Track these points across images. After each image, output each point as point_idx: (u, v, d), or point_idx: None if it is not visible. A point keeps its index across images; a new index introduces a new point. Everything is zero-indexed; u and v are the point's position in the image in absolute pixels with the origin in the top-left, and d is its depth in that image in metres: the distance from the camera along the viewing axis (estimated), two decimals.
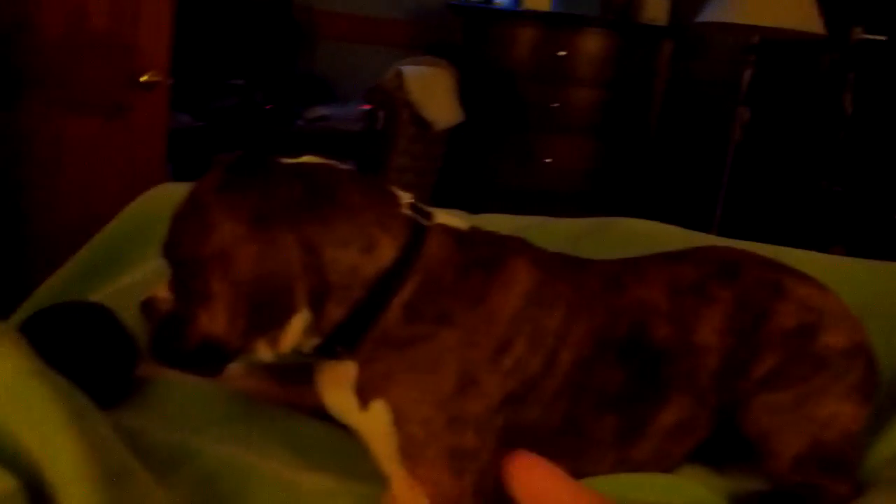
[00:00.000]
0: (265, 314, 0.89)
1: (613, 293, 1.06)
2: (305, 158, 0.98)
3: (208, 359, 0.91)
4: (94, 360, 1.03)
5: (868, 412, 1.13)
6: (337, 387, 0.97)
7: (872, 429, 1.21)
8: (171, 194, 1.57)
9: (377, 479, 0.94)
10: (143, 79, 2.27)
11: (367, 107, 3.02)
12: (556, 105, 3.87)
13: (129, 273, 1.38)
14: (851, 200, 2.98)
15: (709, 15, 3.33)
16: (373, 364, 0.94)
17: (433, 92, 3.24)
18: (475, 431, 0.94)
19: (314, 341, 0.95)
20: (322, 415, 1.03)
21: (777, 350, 1.08)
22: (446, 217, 1.03)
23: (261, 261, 0.87)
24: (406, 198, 1.01)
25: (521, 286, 0.99)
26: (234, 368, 1.10)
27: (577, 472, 1.03)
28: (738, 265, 1.14)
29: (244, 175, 0.89)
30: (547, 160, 3.90)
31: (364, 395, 0.94)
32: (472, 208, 1.56)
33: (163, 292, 0.94)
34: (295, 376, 1.11)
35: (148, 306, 0.94)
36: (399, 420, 0.92)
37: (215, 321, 0.88)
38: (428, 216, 1.01)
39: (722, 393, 1.07)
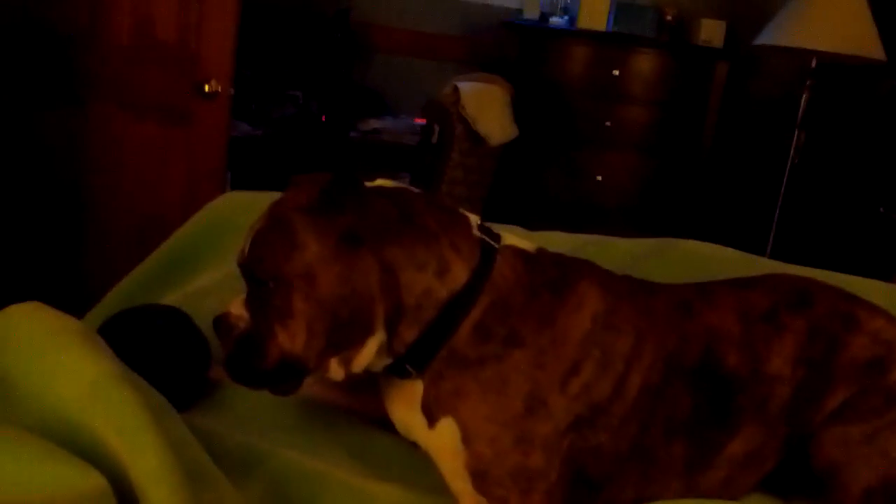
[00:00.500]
0: (344, 334, 0.91)
1: (684, 318, 1.06)
2: (380, 181, 1.00)
3: (284, 377, 0.92)
4: (170, 363, 1.05)
5: None
6: (404, 404, 0.98)
7: None
8: (239, 202, 1.61)
9: (444, 492, 0.95)
10: (206, 88, 2.32)
11: (421, 120, 3.04)
12: (608, 123, 3.86)
13: (199, 278, 1.41)
14: None
15: (766, 38, 3.31)
16: (441, 382, 0.95)
17: (488, 108, 3.25)
18: (542, 452, 0.94)
19: (385, 361, 0.96)
20: (387, 426, 1.05)
21: (850, 382, 1.08)
22: (515, 239, 1.05)
23: (345, 281, 0.89)
24: (475, 220, 1.03)
25: (590, 309, 1.00)
26: None
27: (644, 498, 1.03)
28: (811, 294, 1.14)
29: (338, 197, 0.90)
30: (598, 177, 3.89)
31: (431, 413, 0.95)
32: (523, 222, 1.57)
33: (237, 309, 0.94)
34: (361, 386, 1.12)
35: (222, 323, 0.95)
36: (467, 438, 0.93)
37: (295, 340, 0.89)
38: (497, 238, 1.02)
39: (792, 424, 1.07)
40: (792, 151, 3.47)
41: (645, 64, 3.86)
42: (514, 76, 3.69)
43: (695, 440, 1.04)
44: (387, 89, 4.12)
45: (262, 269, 0.90)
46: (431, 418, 0.95)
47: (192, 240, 1.49)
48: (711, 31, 3.85)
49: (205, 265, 1.43)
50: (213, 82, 2.33)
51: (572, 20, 3.95)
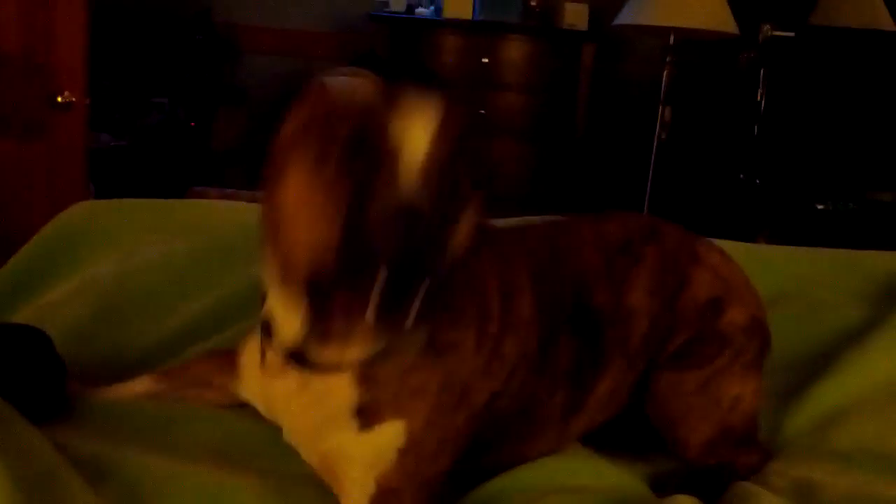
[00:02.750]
0: None
1: (555, 260, 1.04)
2: None
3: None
4: (24, 379, 1.02)
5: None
6: (314, 403, 0.87)
7: (784, 400, 1.27)
8: (89, 210, 1.56)
9: (308, 481, 0.93)
10: (59, 99, 2.23)
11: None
12: (483, 111, 3.90)
13: (52, 290, 1.36)
14: (770, 191, 3.07)
15: (626, 18, 3.41)
16: (401, 377, 0.85)
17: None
18: (452, 451, 0.90)
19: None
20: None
21: (690, 323, 1.08)
22: None
23: None
24: None
25: (494, 283, 0.95)
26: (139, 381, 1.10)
27: (522, 457, 1.01)
28: (659, 228, 1.14)
29: None
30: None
31: (373, 414, 0.85)
32: None
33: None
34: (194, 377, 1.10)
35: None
36: (408, 448, 0.85)
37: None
38: None
39: (644, 361, 1.07)
40: (658, 128, 3.59)
41: (513, 51, 3.92)
42: (384, 70, 3.68)
43: (573, 386, 1.02)
44: (256, 90, 4.05)
45: None
46: (369, 421, 0.85)
47: (44, 252, 1.43)
48: (576, 15, 3.94)
49: (57, 277, 1.38)
50: (67, 93, 2.24)
51: (438, 10, 3.97)
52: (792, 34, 3.05)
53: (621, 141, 4.26)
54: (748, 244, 1.93)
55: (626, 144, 4.23)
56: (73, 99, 2.25)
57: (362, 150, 0.72)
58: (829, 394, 1.30)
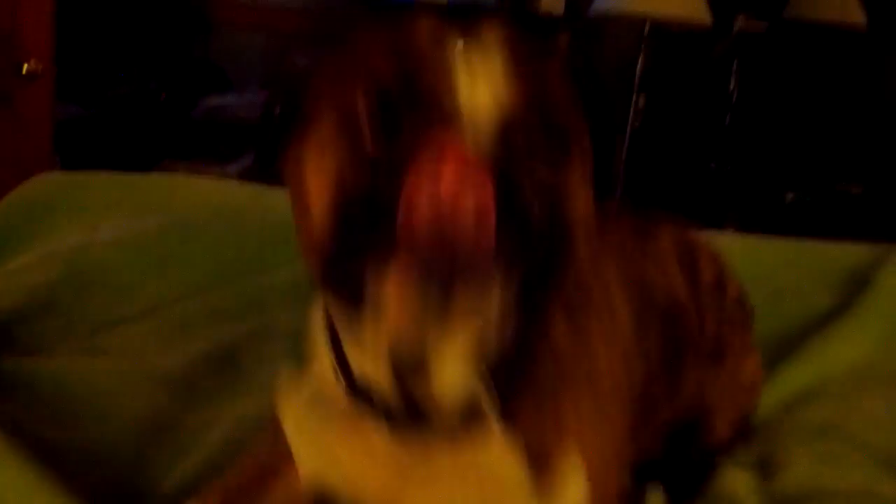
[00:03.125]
0: None
1: (639, 257, 0.98)
2: None
3: None
4: None
5: None
6: (483, 482, 0.64)
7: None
8: (53, 182, 1.54)
9: None
10: (24, 69, 2.18)
11: (264, 96, 2.96)
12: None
13: (12, 261, 1.33)
14: (741, 180, 3.10)
15: (601, 6, 3.41)
16: (550, 402, 0.66)
17: None
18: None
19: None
20: None
21: (711, 313, 1.04)
22: None
23: None
24: None
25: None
26: None
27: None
28: (649, 225, 1.09)
29: None
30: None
31: (547, 458, 0.64)
32: None
33: None
34: None
35: None
36: (591, 478, 0.65)
37: None
38: None
39: (695, 354, 1.02)
40: (632, 115, 3.60)
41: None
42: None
43: (671, 378, 0.96)
44: (229, 64, 4.00)
45: None
46: (546, 467, 0.63)
47: (5, 222, 1.41)
48: (552, 1, 3.93)
49: (19, 248, 1.36)
50: (33, 62, 2.20)
51: None
52: (764, 26, 3.06)
53: (595, 127, 4.27)
54: (715, 233, 1.95)
55: (600, 131, 4.23)
56: (39, 69, 2.20)
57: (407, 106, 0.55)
58: (794, 378, 1.33)
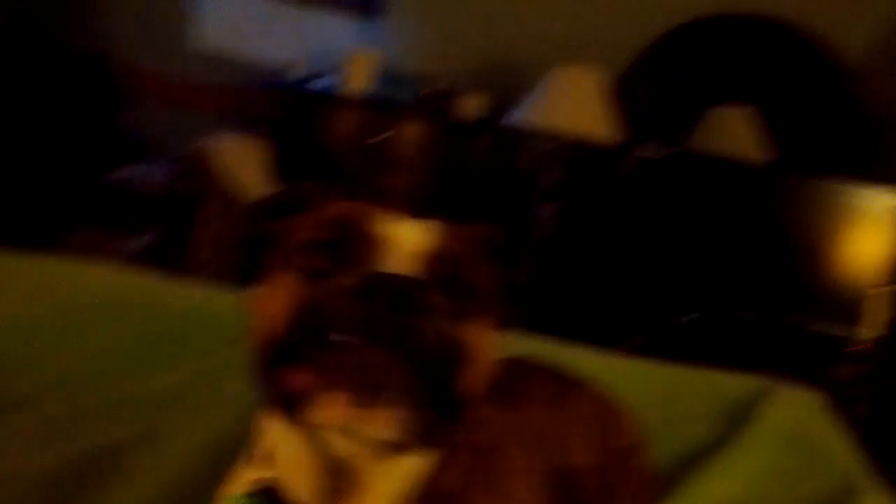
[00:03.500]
0: None
1: (536, 422, 1.00)
2: None
3: None
4: None
5: None
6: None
7: None
8: None
9: None
10: None
11: (175, 173, 2.93)
12: (376, 187, 3.92)
13: None
14: (640, 300, 3.18)
15: (518, 117, 3.52)
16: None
17: (245, 164, 3.20)
18: None
19: None
20: None
21: (624, 474, 1.09)
22: None
23: None
24: None
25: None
26: None
27: None
28: (570, 386, 1.12)
29: None
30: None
31: None
32: None
33: None
34: None
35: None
36: None
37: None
38: None
39: None
40: (541, 223, 3.68)
41: (410, 132, 3.96)
42: (276, 134, 3.67)
43: None
44: (145, 137, 3.96)
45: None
46: None
47: None
48: (474, 105, 4.04)
49: None
50: None
51: (338, 82, 3.99)
52: (669, 154, 3.21)
53: (510, 234, 4.34)
54: (610, 355, 1.99)
55: (513, 238, 4.31)
56: None
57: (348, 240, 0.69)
58: None
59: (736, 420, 1.69)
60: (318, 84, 3.99)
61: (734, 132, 3.64)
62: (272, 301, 0.68)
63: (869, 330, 3.05)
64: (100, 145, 3.59)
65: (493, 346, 0.72)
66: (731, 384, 1.89)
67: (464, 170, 3.99)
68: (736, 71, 3.93)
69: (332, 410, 0.60)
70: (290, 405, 0.62)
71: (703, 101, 3.80)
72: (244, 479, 0.77)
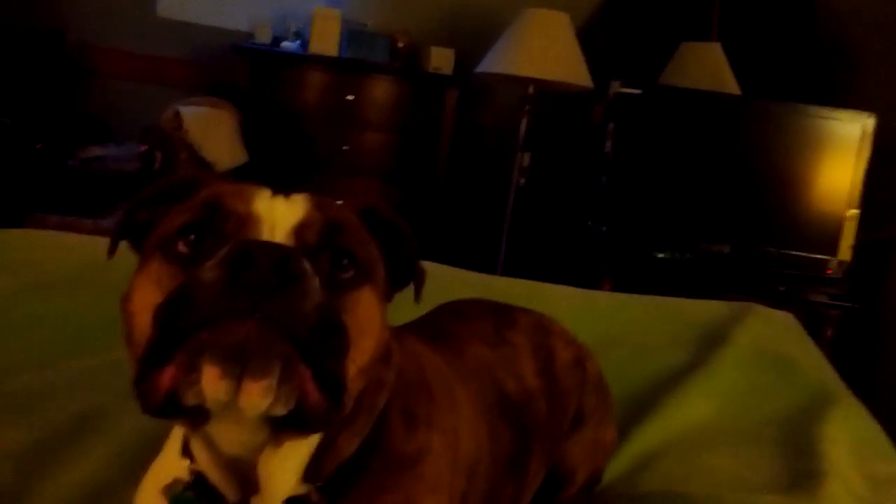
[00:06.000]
0: None
1: (461, 356, 1.01)
2: None
3: None
4: None
5: None
6: None
7: None
8: None
9: None
10: None
11: (143, 147, 2.92)
12: (346, 148, 3.91)
13: None
14: (615, 238, 3.20)
15: (487, 66, 3.51)
16: (383, 498, 0.75)
17: (214, 132, 3.19)
18: None
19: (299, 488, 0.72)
20: None
21: (572, 390, 1.14)
22: None
23: None
24: None
25: (432, 380, 0.90)
26: None
27: None
28: (509, 310, 1.17)
29: None
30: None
31: None
32: None
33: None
34: None
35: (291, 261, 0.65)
36: None
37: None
38: None
39: (552, 434, 1.09)
40: (516, 173, 3.69)
41: (379, 90, 3.96)
42: (244, 100, 3.66)
43: (516, 473, 1.01)
44: (110, 115, 3.92)
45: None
46: None
47: None
48: (441, 59, 4.02)
49: None
50: None
51: (304, 45, 3.97)
52: (639, 91, 3.21)
53: (481, 185, 4.36)
54: (586, 291, 2.02)
55: (486, 188, 4.33)
56: None
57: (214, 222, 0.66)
58: (644, 438, 1.38)
59: (710, 343, 1.72)
60: (284, 47, 3.96)
61: (704, 66, 3.65)
62: (140, 295, 0.65)
63: (840, 255, 3.09)
64: (63, 125, 3.56)
65: (376, 317, 0.70)
66: (704, 309, 1.93)
67: (436, 125, 3.98)
68: (701, 6, 3.93)
69: (208, 387, 0.57)
70: (168, 410, 0.59)
71: (673, 39, 3.81)
72: (173, 466, 0.76)
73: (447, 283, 1.62)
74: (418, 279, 0.79)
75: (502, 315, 1.15)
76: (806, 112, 3.15)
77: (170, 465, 0.77)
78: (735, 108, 3.32)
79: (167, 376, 0.58)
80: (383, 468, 0.75)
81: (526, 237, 3.94)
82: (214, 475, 0.71)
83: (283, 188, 0.72)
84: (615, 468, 1.29)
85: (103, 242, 0.82)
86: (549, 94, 3.70)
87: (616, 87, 3.37)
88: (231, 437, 0.66)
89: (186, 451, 0.74)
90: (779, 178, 3.16)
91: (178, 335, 0.58)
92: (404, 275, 0.79)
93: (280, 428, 0.62)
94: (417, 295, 0.79)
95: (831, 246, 3.09)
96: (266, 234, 0.65)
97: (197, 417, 0.62)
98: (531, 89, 3.55)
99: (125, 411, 1.22)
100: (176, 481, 0.74)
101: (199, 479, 0.73)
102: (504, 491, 0.98)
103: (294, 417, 0.60)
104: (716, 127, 3.23)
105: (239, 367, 0.57)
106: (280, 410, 0.59)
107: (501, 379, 1.02)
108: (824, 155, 3.14)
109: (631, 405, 1.46)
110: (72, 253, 1.63)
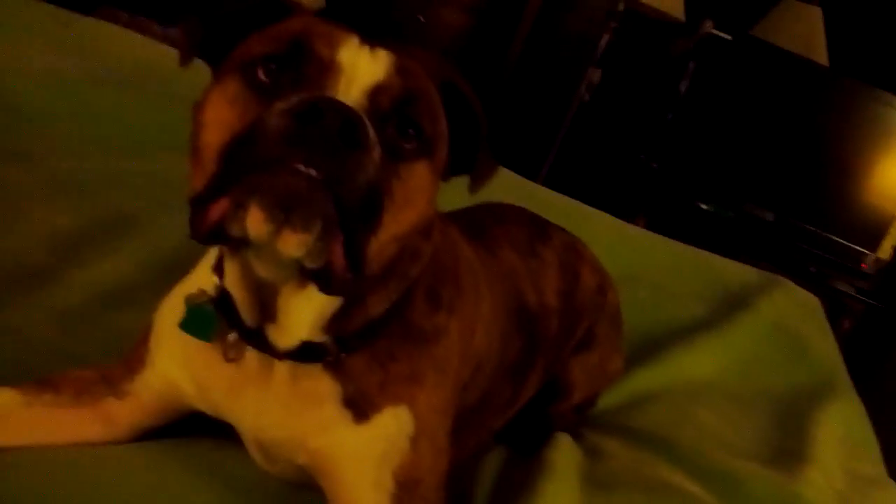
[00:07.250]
0: None
1: (494, 257, 1.03)
2: None
3: None
4: None
5: None
6: (294, 400, 0.77)
7: None
8: None
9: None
10: None
11: None
12: (422, 19, 3.84)
13: None
14: (663, 178, 3.17)
15: None
16: (392, 365, 0.77)
17: None
18: (448, 446, 0.83)
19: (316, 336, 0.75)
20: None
21: (589, 312, 1.16)
22: None
23: None
24: None
25: (470, 264, 0.93)
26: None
27: (468, 445, 0.98)
28: (543, 223, 1.19)
29: None
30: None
31: (367, 404, 0.76)
32: None
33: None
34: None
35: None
36: (419, 434, 0.77)
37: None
38: None
39: (556, 352, 1.13)
40: (583, 88, 3.62)
41: None
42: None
43: (516, 380, 1.03)
44: None
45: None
46: (364, 411, 0.76)
47: None
48: None
49: None
50: None
51: None
52: (729, 37, 3.11)
53: (546, 91, 4.28)
54: (623, 222, 2.01)
55: (550, 95, 4.25)
56: None
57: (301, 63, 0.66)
58: (645, 379, 1.41)
59: (731, 305, 1.72)
60: None
61: (800, 28, 3.52)
62: (213, 108, 0.66)
63: (880, 252, 3.05)
64: None
65: (426, 192, 0.70)
66: (733, 270, 1.92)
67: (514, 19, 3.89)
68: None
69: (251, 226, 0.59)
70: (214, 238, 0.62)
71: None
72: (203, 280, 0.79)
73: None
74: (481, 169, 0.79)
75: (539, 228, 1.17)
76: (886, 100, 3.05)
77: (200, 280, 0.80)
78: (820, 79, 3.22)
79: (218, 208, 0.61)
80: (399, 336, 0.78)
81: (575, 153, 3.89)
82: (239, 295, 0.74)
83: (369, 35, 0.71)
84: (611, 399, 1.32)
85: (170, 52, 0.80)
86: (636, 16, 3.58)
87: (707, 28, 3.27)
88: (266, 263, 0.68)
89: (218, 268, 0.77)
90: (839, 160, 3.10)
91: (236, 172, 0.60)
92: (468, 159, 0.78)
93: (306, 276, 0.65)
94: (474, 185, 0.79)
95: (874, 241, 3.05)
96: (342, 88, 0.65)
97: (239, 245, 0.65)
98: (621, 6, 3.44)
99: (158, 222, 1.25)
100: (200, 292, 0.77)
101: (222, 297, 0.76)
102: (502, 393, 1.01)
103: (319, 274, 0.63)
104: (795, 93, 3.15)
105: (283, 216, 0.59)
106: (310, 264, 0.62)
107: (524, 289, 1.04)
108: (891, 148, 3.06)
109: (640, 345, 1.48)
110: (139, 53, 1.62)
